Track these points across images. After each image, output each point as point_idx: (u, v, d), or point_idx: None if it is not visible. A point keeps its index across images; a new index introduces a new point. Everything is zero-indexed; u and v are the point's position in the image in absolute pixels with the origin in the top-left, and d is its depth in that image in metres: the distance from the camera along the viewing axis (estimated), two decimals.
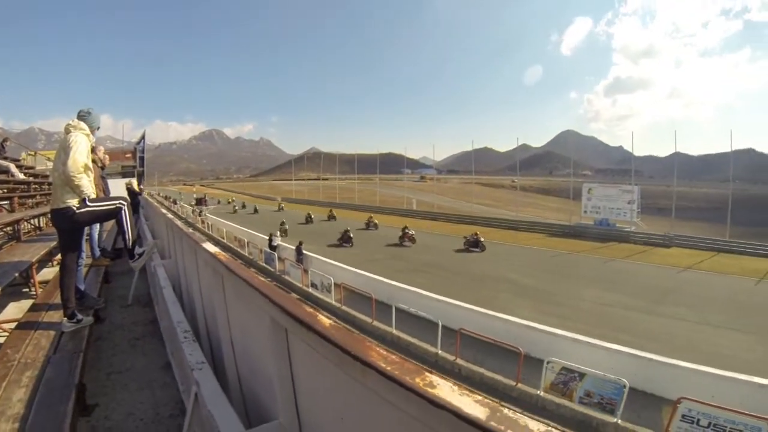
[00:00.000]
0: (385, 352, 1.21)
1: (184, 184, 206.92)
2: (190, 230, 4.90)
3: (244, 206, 61.84)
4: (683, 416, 8.43)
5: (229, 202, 64.89)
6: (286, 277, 21.04)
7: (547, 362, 9.90)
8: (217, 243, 31.23)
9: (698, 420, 8.33)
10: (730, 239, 32.17)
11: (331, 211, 46.94)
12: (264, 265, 23.29)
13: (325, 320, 1.52)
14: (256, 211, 57.05)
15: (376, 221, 39.23)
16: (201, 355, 3.18)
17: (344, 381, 1.38)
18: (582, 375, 9.46)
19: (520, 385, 10.50)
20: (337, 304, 16.86)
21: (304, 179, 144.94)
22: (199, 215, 45.11)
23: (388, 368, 1.10)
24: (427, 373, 1.06)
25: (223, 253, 3.06)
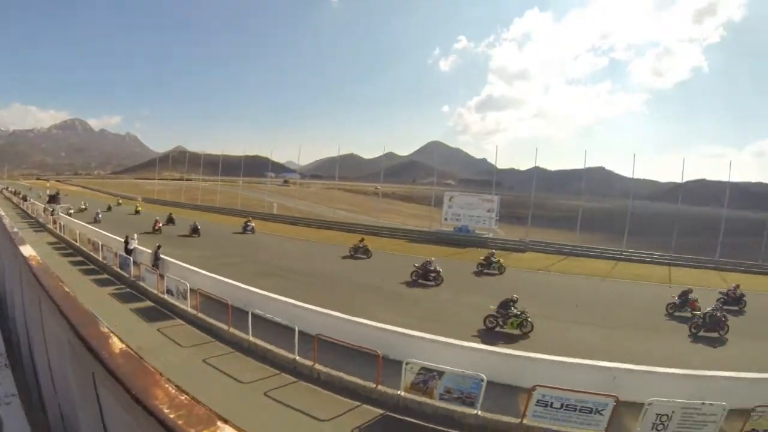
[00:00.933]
0: (174, 391, 1.03)
1: (38, 179, 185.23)
2: (14, 229, 4.32)
3: (109, 208, 54.60)
4: (538, 401, 8.82)
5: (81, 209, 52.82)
6: (142, 284, 19.13)
7: (406, 363, 9.72)
8: (70, 246, 28.42)
9: (551, 403, 8.79)
10: (579, 244, 37.37)
11: (170, 214, 42.17)
12: (119, 270, 21.02)
13: (115, 344, 1.32)
14: (109, 209, 53.13)
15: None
16: (12, 386, 2.63)
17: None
18: (441, 373, 9.43)
19: (380, 386, 10.20)
20: (193, 311, 15.54)
21: (167, 179, 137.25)
22: (51, 214, 39.70)
23: (172, 415, 0.92)
24: (219, 423, 0.90)
25: (38, 257, 2.61)
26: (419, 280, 21.77)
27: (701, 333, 15.97)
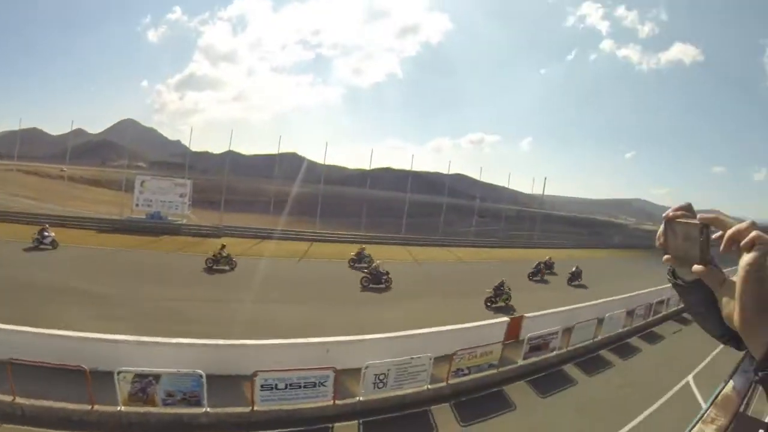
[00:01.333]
0: None
1: None
2: None
3: None
4: (262, 386, 8.90)
5: None
6: None
7: (118, 373, 8.79)
8: None
9: (276, 385, 8.96)
10: (274, 228, 37.95)
11: None
12: None
13: None
14: None
15: None
16: None
17: None
18: (157, 377, 8.76)
19: (97, 407, 9.14)
20: None
21: None
22: None
23: None
24: None
25: None
26: None
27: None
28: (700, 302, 1.10)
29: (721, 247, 0.93)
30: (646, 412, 12.54)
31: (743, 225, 0.91)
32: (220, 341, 10.47)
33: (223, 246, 23.66)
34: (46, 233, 24.93)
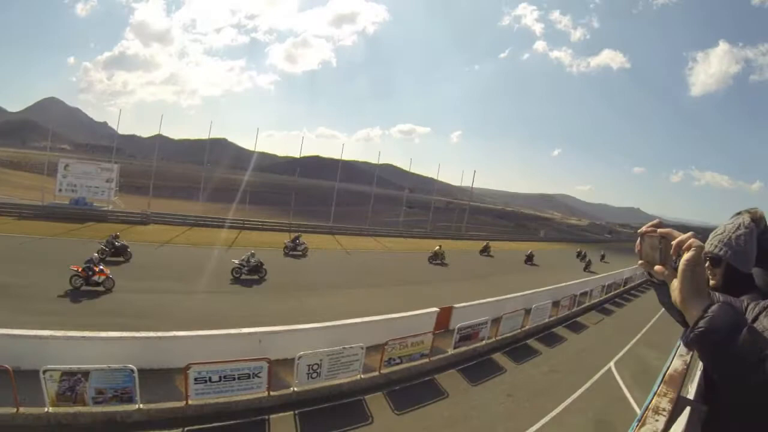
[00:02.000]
0: None
1: None
2: None
3: None
4: (196, 379, 9.01)
5: None
6: None
7: (44, 371, 8.62)
8: None
9: (210, 377, 9.10)
10: (200, 215, 38.07)
11: None
12: None
13: None
14: None
15: None
16: None
17: None
18: (86, 374, 8.67)
19: (22, 409, 8.96)
20: None
21: None
22: None
23: None
24: None
25: None
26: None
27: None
28: (665, 295, 1.44)
29: (671, 251, 1.31)
30: (573, 396, 13.62)
31: (686, 235, 1.30)
32: (152, 334, 10.40)
33: (117, 235, 22.58)
34: None
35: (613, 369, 16.51)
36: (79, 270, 15.73)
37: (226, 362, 9.17)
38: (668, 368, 2.58)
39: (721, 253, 2.20)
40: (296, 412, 10.08)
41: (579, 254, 49.57)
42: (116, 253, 21.37)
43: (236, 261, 21.16)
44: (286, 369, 10.45)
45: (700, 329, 1.16)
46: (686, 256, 1.25)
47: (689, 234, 1.31)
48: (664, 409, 1.96)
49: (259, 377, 9.52)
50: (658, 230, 1.42)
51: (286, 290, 19.98)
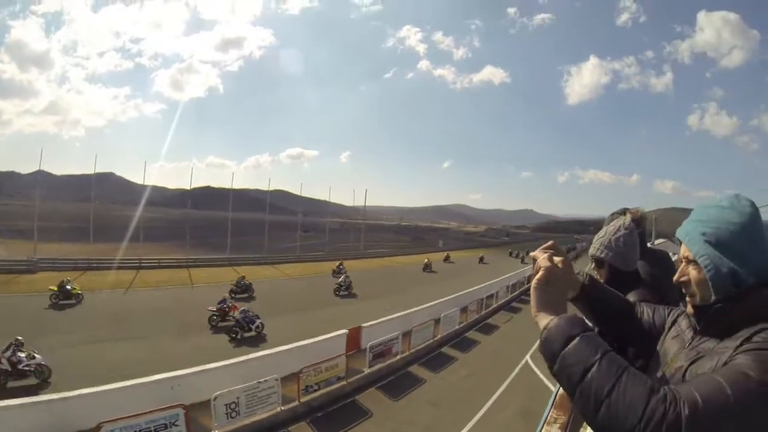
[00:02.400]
0: None
1: None
2: None
3: None
4: None
5: None
6: None
7: None
8: None
9: None
10: (93, 257, 36.28)
11: None
12: None
13: None
14: None
15: None
16: None
17: None
18: None
19: None
20: None
21: None
22: None
23: None
24: None
25: None
26: None
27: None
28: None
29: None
30: (496, 394, 14.75)
31: (541, 257, 1.41)
32: (55, 396, 9.82)
33: None
34: None
35: (530, 361, 17.87)
36: None
37: (139, 415, 8.97)
38: (557, 391, 2.68)
39: (602, 255, 2.37)
40: None
41: (511, 254, 68.72)
42: None
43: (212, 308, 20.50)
44: (203, 413, 10.42)
45: (540, 341, 1.18)
46: (536, 276, 1.33)
47: (542, 255, 1.42)
48: None
49: (177, 426, 9.43)
50: (530, 254, 1.57)
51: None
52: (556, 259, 1.39)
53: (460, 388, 15.11)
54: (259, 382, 10.95)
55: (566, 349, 1.11)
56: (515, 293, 32.49)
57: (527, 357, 18.31)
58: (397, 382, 15.32)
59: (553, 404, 2.45)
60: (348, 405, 13.21)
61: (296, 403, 12.15)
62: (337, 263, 40.25)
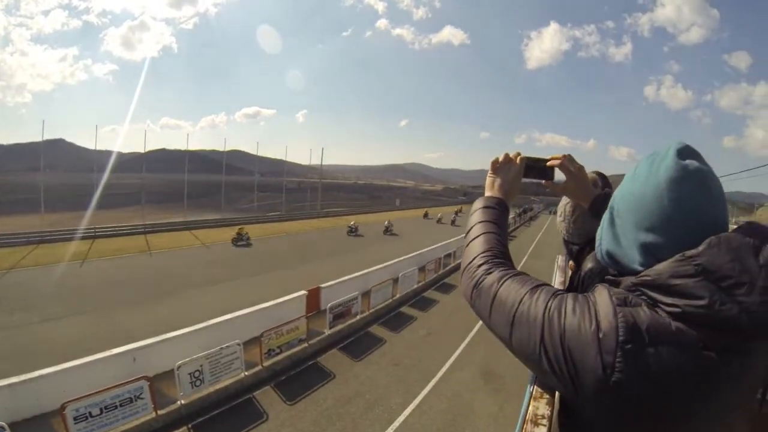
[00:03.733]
0: None
1: None
2: None
3: None
4: (76, 418, 8.79)
5: None
6: None
7: None
8: None
9: (90, 413, 8.97)
10: (45, 229, 35.56)
11: None
12: None
13: None
14: None
15: None
16: None
17: None
18: None
19: None
20: None
21: None
22: None
23: None
24: None
25: None
26: None
27: None
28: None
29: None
30: (456, 352, 15.41)
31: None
32: (13, 379, 9.60)
33: None
34: None
35: None
36: None
37: (103, 391, 9.06)
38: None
39: (564, 236, 2.46)
40: (189, 426, 10.30)
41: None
42: None
43: None
44: (169, 383, 10.66)
45: None
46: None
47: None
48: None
49: (142, 399, 9.64)
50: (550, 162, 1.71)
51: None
52: (575, 165, 1.70)
53: (420, 348, 15.75)
54: (221, 348, 11.19)
55: (471, 215, 1.54)
56: None
57: None
58: (358, 342, 15.89)
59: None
60: (311, 367, 13.64)
61: (259, 367, 12.53)
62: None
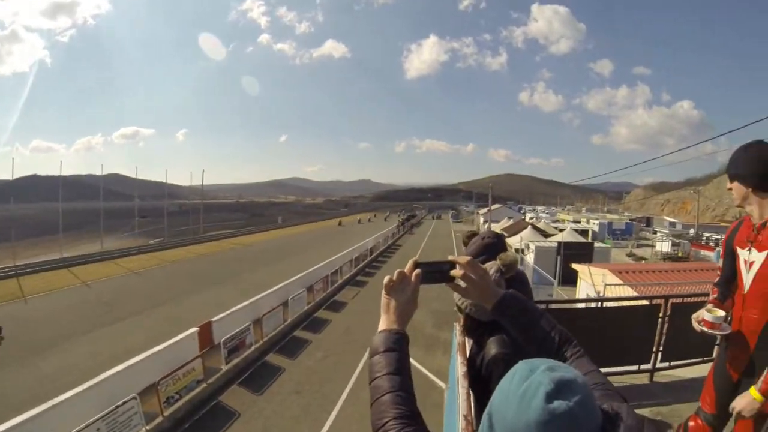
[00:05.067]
0: None
1: None
2: None
3: None
4: None
5: None
6: None
7: None
8: None
9: None
10: None
11: None
12: None
13: None
14: None
15: None
16: None
17: None
18: None
19: None
20: None
21: None
22: None
23: None
24: None
25: None
26: None
27: None
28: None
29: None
30: (357, 371, 15.65)
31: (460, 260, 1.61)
32: None
33: None
34: None
35: None
36: None
37: None
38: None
39: (467, 310, 2.42)
40: None
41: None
42: None
43: None
44: None
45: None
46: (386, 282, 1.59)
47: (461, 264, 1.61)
48: None
49: None
50: (449, 257, 1.67)
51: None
52: (458, 272, 1.60)
53: (319, 372, 15.85)
54: (117, 406, 10.50)
55: (372, 358, 1.45)
56: (359, 266, 34.65)
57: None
58: (257, 374, 15.62)
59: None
60: (214, 408, 13.21)
61: (160, 418, 11.78)
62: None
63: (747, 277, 2.77)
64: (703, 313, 2.99)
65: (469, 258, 1.61)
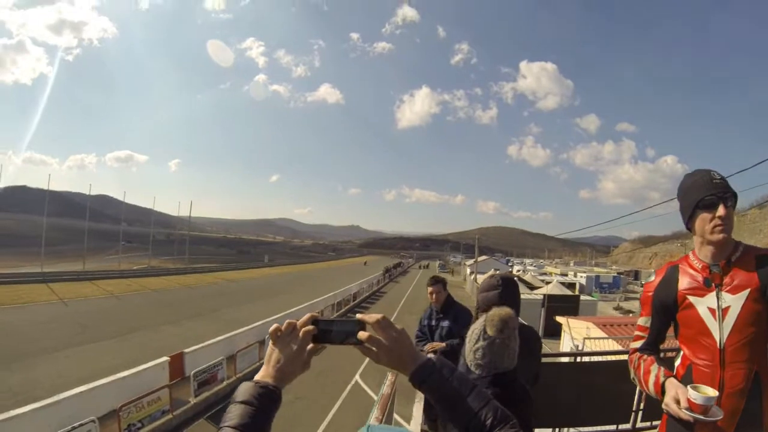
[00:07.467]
0: None
1: None
2: None
3: None
4: None
5: None
6: None
7: None
8: None
9: None
10: None
11: None
12: None
13: None
14: None
15: None
16: None
17: None
18: None
19: None
20: None
21: None
22: None
23: None
24: None
25: None
26: None
27: None
28: None
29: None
30: (329, 416, 15.49)
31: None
32: None
33: None
34: None
35: (360, 381, 18.84)
36: None
37: None
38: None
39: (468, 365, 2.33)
40: None
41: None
42: None
43: None
44: None
45: None
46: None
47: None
48: None
49: None
50: (358, 316, 1.42)
51: None
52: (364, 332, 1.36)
53: (289, 415, 15.21)
54: (73, 428, 10.27)
55: (229, 406, 1.23)
56: (342, 311, 34.54)
57: (357, 377, 19.32)
58: (225, 410, 15.25)
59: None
60: None
61: None
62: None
63: (720, 328, 2.34)
64: (688, 394, 2.15)
65: (380, 317, 1.37)
